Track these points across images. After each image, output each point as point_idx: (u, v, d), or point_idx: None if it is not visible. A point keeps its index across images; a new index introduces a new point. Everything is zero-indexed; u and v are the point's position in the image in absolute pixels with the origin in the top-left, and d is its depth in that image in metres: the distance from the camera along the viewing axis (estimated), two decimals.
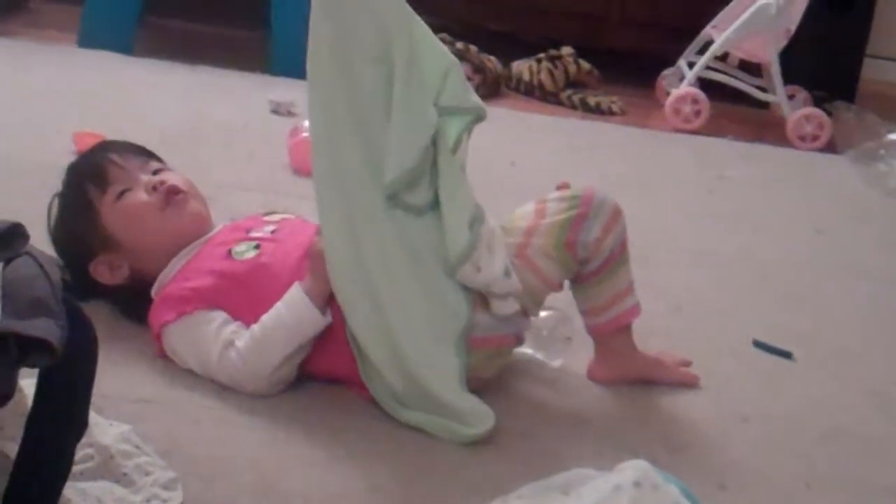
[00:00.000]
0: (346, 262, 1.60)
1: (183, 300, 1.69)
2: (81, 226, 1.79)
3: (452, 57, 1.67)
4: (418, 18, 1.65)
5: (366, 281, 1.60)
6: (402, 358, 1.59)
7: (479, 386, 1.67)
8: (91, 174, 1.80)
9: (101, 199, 1.78)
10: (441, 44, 1.67)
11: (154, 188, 1.80)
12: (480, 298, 1.65)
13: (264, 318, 1.64)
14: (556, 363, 1.83)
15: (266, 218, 1.86)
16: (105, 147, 1.88)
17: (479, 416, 1.61)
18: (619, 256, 1.77)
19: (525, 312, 1.72)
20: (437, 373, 1.60)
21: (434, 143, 1.63)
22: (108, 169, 1.80)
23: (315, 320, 1.63)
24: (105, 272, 1.79)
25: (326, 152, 1.61)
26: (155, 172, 1.83)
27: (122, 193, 1.78)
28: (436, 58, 1.64)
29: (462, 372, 1.62)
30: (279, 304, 1.64)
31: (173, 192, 1.80)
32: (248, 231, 1.79)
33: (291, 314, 1.63)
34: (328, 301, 1.64)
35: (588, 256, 1.74)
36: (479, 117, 1.66)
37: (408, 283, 1.61)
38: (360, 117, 1.60)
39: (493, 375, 1.72)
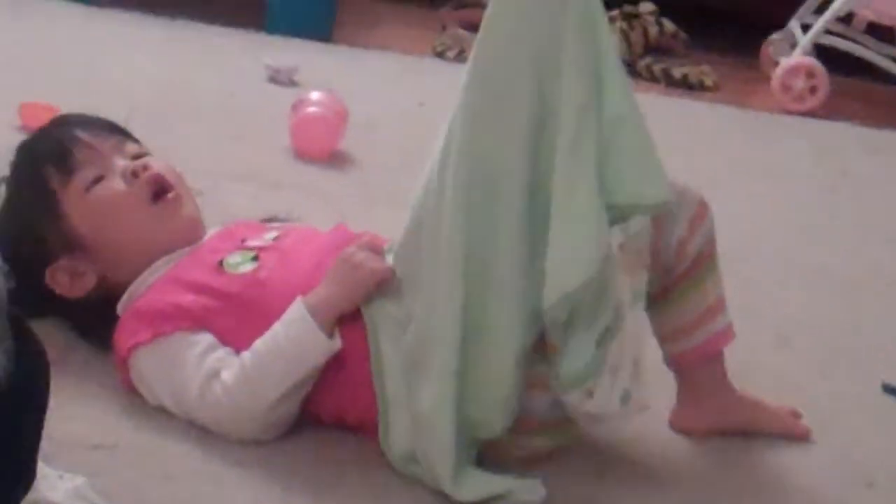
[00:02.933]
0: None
1: (160, 316, 1.70)
2: (38, 221, 1.79)
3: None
4: (605, 23, 1.60)
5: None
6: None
7: (534, 459, 1.68)
8: (52, 156, 1.80)
9: (66, 187, 1.79)
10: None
11: (134, 174, 1.80)
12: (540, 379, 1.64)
13: (257, 342, 1.65)
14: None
15: (266, 225, 1.88)
16: (68, 122, 1.88)
17: (526, 486, 1.62)
18: (707, 261, 1.77)
19: None
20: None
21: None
22: (75, 149, 1.80)
23: (319, 345, 1.64)
24: (65, 281, 1.79)
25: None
26: (134, 158, 1.83)
27: (94, 182, 1.79)
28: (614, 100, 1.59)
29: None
30: (276, 325, 1.65)
31: (159, 182, 1.80)
32: (244, 239, 1.81)
33: (290, 337, 1.64)
34: (339, 322, 1.65)
35: (671, 262, 1.74)
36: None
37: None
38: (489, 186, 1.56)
39: (551, 450, 1.72)
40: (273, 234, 1.81)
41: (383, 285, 1.67)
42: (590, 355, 1.58)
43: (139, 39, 3.23)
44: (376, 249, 1.71)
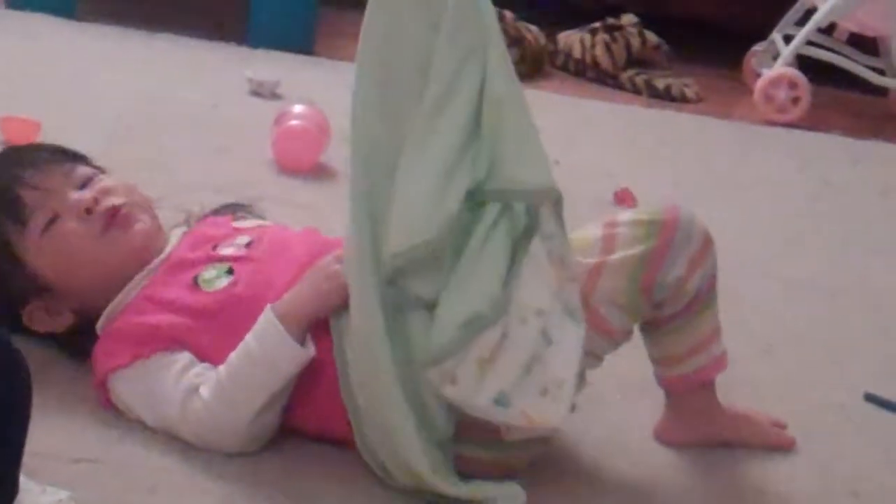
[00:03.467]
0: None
1: (138, 339, 1.69)
2: (1, 272, 1.76)
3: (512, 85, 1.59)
4: (491, 11, 1.59)
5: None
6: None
7: (506, 471, 1.66)
8: (2, 206, 1.76)
9: (22, 236, 1.75)
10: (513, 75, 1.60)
11: (88, 211, 1.77)
12: None
13: (231, 355, 1.64)
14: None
15: (236, 225, 1.86)
16: (11, 163, 1.83)
17: (507, 492, 1.61)
18: (705, 297, 1.75)
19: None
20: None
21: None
22: (23, 195, 1.76)
23: (290, 352, 1.62)
24: (44, 319, 1.78)
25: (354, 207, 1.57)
26: (84, 185, 1.80)
27: (48, 224, 1.75)
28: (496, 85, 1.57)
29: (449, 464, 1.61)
30: (247, 336, 1.64)
31: (111, 212, 1.77)
32: (215, 245, 1.79)
33: (261, 346, 1.63)
34: (312, 329, 1.64)
35: (666, 299, 1.72)
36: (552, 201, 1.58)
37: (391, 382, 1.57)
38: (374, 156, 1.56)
39: (526, 462, 1.70)
40: (245, 238, 1.79)
41: None
42: (449, 335, 1.52)
43: (122, 53, 3.23)
44: None
